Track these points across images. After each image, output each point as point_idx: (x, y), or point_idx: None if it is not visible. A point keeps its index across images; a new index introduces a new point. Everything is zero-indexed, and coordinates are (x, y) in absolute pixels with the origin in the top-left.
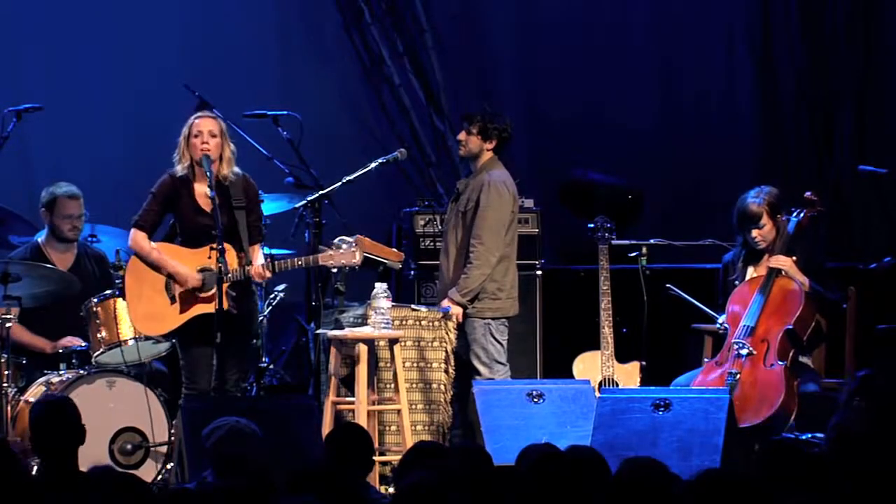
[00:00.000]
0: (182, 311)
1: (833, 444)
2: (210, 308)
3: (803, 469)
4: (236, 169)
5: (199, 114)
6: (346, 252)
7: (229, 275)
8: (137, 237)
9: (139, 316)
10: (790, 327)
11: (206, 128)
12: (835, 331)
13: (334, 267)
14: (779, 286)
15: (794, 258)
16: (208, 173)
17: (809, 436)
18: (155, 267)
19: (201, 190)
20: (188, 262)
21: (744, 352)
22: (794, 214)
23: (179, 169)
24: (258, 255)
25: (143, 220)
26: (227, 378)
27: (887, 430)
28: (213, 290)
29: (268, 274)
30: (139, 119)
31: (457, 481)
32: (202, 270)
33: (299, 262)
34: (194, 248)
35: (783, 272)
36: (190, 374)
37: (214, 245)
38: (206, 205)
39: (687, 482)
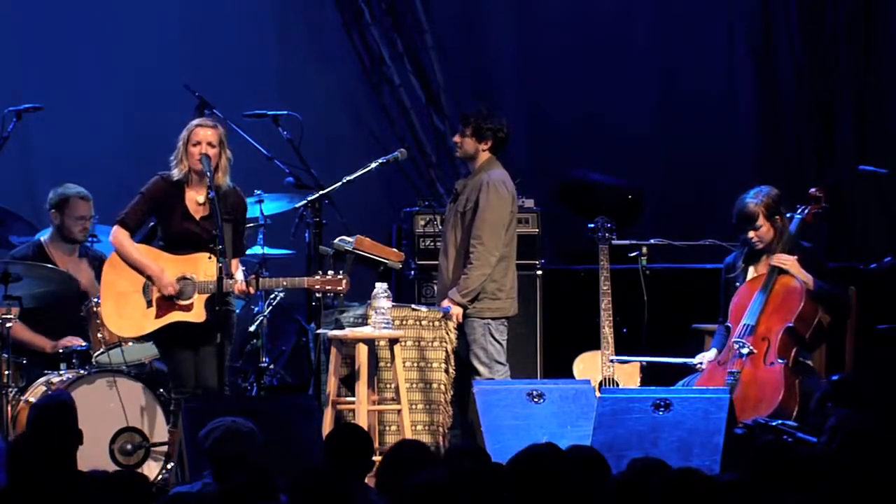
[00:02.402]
0: (158, 315)
1: (839, 445)
2: (187, 316)
3: (795, 469)
4: (229, 182)
5: (199, 121)
6: (333, 279)
7: (209, 287)
8: (121, 235)
9: (111, 314)
10: (791, 325)
11: (205, 139)
12: (835, 331)
13: (319, 292)
14: (780, 284)
15: (797, 256)
16: (208, 173)
17: (779, 422)
18: (135, 268)
19: (193, 196)
20: (168, 268)
21: (744, 350)
22: (799, 212)
23: (175, 173)
24: (238, 270)
25: (128, 218)
26: (208, 380)
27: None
28: (192, 299)
29: (251, 290)
30: (139, 119)
31: (459, 481)
32: (181, 279)
33: (284, 283)
34: (176, 254)
35: (786, 270)
36: (175, 378)
37: (214, 245)
38: (195, 211)
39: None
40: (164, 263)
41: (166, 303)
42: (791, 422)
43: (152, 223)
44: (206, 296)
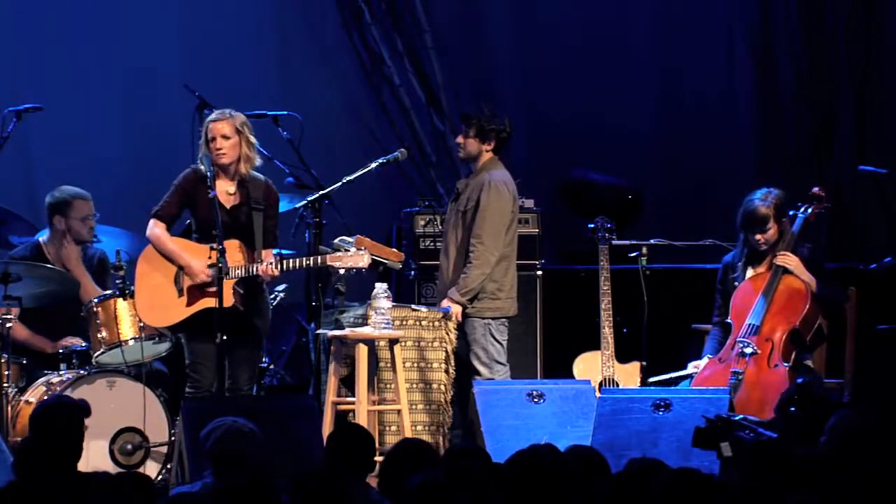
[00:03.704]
0: (188, 304)
1: (838, 445)
2: (215, 302)
3: (794, 469)
4: (259, 175)
5: (214, 115)
6: (354, 255)
7: (236, 272)
8: (157, 228)
9: (144, 305)
10: (796, 328)
11: (219, 132)
12: (835, 331)
13: (341, 268)
14: (785, 284)
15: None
16: (209, 172)
17: (741, 417)
18: (168, 258)
19: (223, 187)
20: (200, 257)
21: (748, 350)
22: (801, 211)
23: (203, 168)
24: (270, 259)
25: (162, 210)
26: (238, 376)
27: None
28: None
29: (276, 272)
30: (139, 119)
31: (459, 481)
32: (211, 266)
33: (308, 262)
34: (207, 243)
35: (790, 270)
36: (194, 371)
37: (214, 245)
38: (226, 201)
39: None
40: (195, 253)
41: (196, 291)
42: (753, 417)
43: (188, 221)
44: (233, 281)
